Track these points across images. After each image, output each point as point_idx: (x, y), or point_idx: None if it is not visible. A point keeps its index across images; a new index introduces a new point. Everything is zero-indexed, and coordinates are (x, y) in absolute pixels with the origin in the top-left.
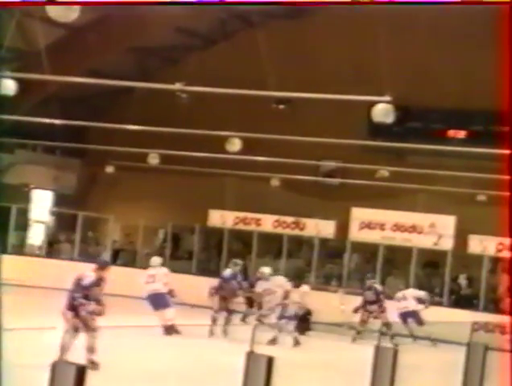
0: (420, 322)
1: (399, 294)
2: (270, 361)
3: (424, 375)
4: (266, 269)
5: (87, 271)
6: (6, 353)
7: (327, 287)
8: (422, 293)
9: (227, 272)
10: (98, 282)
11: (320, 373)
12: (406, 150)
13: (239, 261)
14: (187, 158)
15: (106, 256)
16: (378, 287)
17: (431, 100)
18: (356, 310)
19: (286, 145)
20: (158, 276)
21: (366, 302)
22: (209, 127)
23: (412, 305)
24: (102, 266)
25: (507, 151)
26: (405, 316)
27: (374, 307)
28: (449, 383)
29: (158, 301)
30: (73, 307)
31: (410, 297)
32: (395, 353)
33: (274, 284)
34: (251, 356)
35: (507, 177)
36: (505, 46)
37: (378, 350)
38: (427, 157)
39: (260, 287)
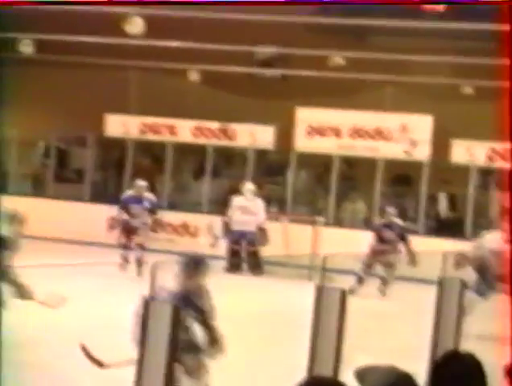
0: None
1: None
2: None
3: (385, 323)
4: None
5: None
6: None
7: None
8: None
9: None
10: None
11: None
12: (367, 29)
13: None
14: (72, 45)
15: None
16: (400, 222)
17: None
18: (372, 254)
19: (206, 26)
20: None
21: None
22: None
23: None
24: None
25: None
26: None
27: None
28: (415, 331)
29: None
30: None
31: None
32: (343, 295)
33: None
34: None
35: (504, 60)
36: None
37: (321, 291)
38: (394, 37)
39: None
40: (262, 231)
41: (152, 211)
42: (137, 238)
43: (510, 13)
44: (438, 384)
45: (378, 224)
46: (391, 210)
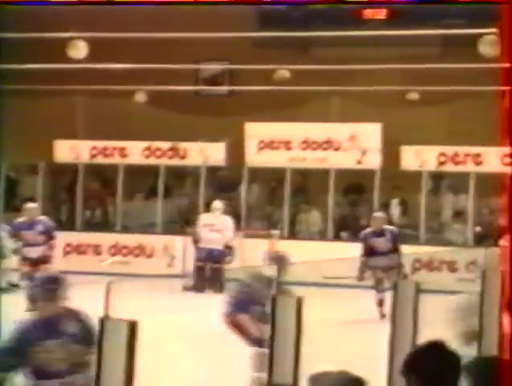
0: None
1: None
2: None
3: (346, 332)
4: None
5: None
6: None
7: None
8: None
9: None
10: None
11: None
12: (310, 41)
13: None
14: (16, 73)
15: None
16: (393, 228)
17: None
18: (361, 275)
19: (150, 45)
20: None
21: (374, 254)
22: (39, 27)
23: None
24: None
25: (441, 31)
26: None
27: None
28: (375, 338)
29: None
30: None
31: None
32: (299, 304)
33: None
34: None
35: (445, 65)
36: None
37: (277, 301)
38: (337, 48)
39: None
40: (228, 249)
41: (48, 235)
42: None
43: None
44: (414, 370)
45: (366, 233)
46: (380, 215)
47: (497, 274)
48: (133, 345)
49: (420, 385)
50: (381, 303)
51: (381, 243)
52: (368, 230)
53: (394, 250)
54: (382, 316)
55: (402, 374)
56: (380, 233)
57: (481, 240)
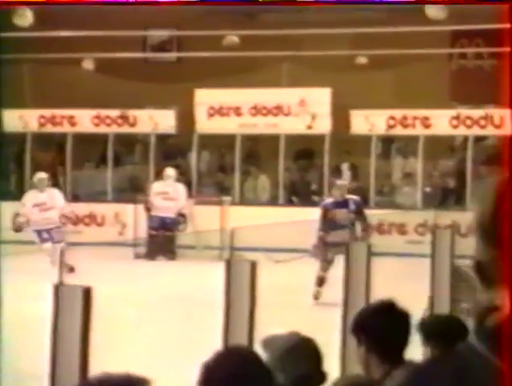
0: None
1: None
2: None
3: (300, 297)
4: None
5: None
6: None
7: None
8: None
9: None
10: None
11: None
12: (259, 7)
13: None
14: None
15: None
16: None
17: None
18: (316, 252)
19: (98, 12)
20: None
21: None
22: None
23: None
24: None
25: None
26: None
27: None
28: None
29: None
30: None
31: None
32: (253, 267)
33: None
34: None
35: (393, 28)
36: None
37: (231, 264)
38: (285, 13)
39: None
40: (181, 216)
41: None
42: None
43: None
44: (364, 330)
45: (327, 203)
46: (343, 182)
47: (447, 235)
48: (88, 311)
49: (370, 344)
50: (321, 282)
51: (343, 215)
52: (329, 200)
53: (356, 220)
54: (316, 298)
55: (353, 333)
56: (343, 204)
57: (430, 202)
